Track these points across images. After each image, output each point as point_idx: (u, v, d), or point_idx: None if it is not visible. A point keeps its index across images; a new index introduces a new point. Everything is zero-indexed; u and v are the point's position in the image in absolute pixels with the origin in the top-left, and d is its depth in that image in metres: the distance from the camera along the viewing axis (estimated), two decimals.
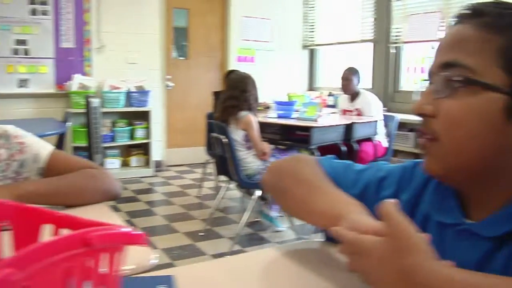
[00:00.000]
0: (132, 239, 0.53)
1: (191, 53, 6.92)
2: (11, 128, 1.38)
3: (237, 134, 3.84)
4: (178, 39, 6.86)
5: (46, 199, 1.20)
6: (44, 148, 1.38)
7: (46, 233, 0.63)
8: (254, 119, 3.85)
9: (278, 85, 7.29)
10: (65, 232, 0.61)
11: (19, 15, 5.55)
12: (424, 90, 0.80)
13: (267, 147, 3.94)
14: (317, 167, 1.04)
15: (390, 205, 0.67)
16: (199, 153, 6.05)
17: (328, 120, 4.54)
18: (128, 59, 6.18)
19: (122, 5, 6.14)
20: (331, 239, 0.93)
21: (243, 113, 3.82)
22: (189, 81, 6.86)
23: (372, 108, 4.96)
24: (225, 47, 7.14)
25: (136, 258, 0.88)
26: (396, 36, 6.33)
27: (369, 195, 0.96)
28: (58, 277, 0.46)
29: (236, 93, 3.87)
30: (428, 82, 0.82)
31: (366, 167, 1.04)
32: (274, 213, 4.20)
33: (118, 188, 1.39)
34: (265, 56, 7.41)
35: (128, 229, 0.54)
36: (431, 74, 0.81)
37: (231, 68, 6.72)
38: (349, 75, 5.05)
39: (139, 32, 6.26)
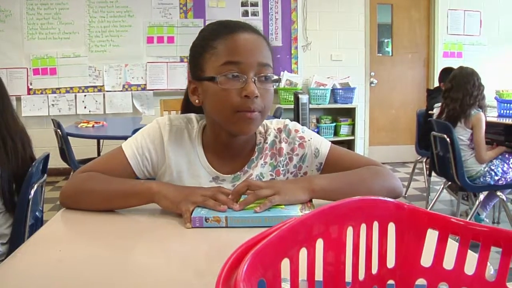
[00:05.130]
0: None
1: (395, 49, 6.77)
2: (291, 123, 1.39)
3: (463, 134, 3.65)
4: (382, 35, 6.76)
5: (337, 194, 1.15)
6: (323, 144, 1.36)
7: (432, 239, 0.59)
8: (483, 119, 3.62)
9: (487, 81, 6.81)
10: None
11: (233, 17, 5.83)
12: None
13: (489, 155, 3.67)
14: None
15: None
16: (403, 152, 5.93)
17: None
18: (333, 56, 6.25)
19: (327, 2, 6.22)
20: None
21: (474, 111, 3.61)
22: (393, 78, 6.73)
23: None
24: (430, 43, 6.86)
25: None
26: None
27: None
28: None
29: (466, 89, 3.67)
30: None
31: None
32: (484, 214, 3.96)
33: (401, 186, 1.34)
34: (474, 51, 6.97)
35: None
36: None
37: (437, 64, 6.46)
38: None
39: (343, 29, 6.30)
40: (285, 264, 0.48)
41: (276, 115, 5.50)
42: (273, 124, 1.38)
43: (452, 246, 0.57)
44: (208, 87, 1.20)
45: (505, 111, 4.31)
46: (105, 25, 5.79)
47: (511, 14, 7.19)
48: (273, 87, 1.24)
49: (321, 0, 6.21)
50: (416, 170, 5.16)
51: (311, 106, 5.69)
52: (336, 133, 6.18)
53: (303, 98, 4.87)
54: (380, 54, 6.75)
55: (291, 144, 1.35)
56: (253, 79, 1.17)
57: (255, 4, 6.04)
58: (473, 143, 3.66)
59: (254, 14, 6.05)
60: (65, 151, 3.86)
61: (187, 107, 1.40)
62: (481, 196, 3.69)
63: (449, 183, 4.01)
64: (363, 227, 0.58)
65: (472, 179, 3.69)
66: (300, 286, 0.49)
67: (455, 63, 5.78)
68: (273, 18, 6.09)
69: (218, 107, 1.21)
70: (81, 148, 4.61)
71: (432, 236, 0.59)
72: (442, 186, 4.16)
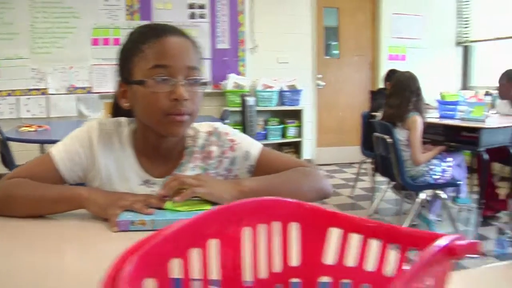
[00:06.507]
0: (470, 249, 0.50)
1: (341, 52, 6.88)
2: (221, 125, 1.40)
3: (401, 134, 3.75)
4: (329, 38, 6.86)
5: (267, 196, 1.19)
6: (254, 146, 1.38)
7: (334, 237, 0.61)
8: (420, 121, 3.73)
9: (430, 83, 6.99)
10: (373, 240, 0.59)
11: (180, 19, 5.84)
12: None
13: (424, 157, 3.79)
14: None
15: None
16: (350, 153, 6.03)
17: (497, 121, 4.27)
18: (280, 58, 6.30)
19: (274, 5, 6.27)
20: None
21: (412, 113, 3.72)
22: (340, 81, 6.84)
23: None
24: (376, 46, 7.01)
25: None
26: None
27: None
28: None
29: (407, 93, 3.77)
30: None
31: None
32: (432, 216, 4.06)
33: (330, 187, 1.36)
34: (416, 54, 7.15)
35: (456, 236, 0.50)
36: None
37: (382, 66, 6.61)
38: (506, 79, 4.63)
39: (290, 32, 6.36)
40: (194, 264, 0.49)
41: (223, 118, 5.51)
42: (203, 127, 1.39)
43: (357, 243, 0.59)
44: (137, 90, 1.21)
45: (445, 112, 4.43)
46: (49, 26, 5.65)
47: (451, 19, 7.43)
48: (201, 90, 1.25)
49: (268, 3, 6.25)
50: (362, 171, 5.26)
51: (258, 108, 5.72)
52: (283, 135, 6.24)
53: (250, 101, 4.90)
54: (328, 57, 6.85)
55: (221, 147, 1.36)
56: (182, 83, 1.18)
57: (203, 7, 6.03)
58: None
59: (201, 16, 6.04)
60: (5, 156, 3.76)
61: (117, 110, 1.40)
62: (421, 195, 3.80)
63: (394, 182, 4.11)
64: (265, 227, 0.59)
65: (413, 178, 3.79)
66: (194, 286, 0.50)
67: (399, 66, 5.93)
68: (220, 21, 6.10)
69: (148, 111, 1.21)
70: (23, 153, 4.48)
71: (338, 234, 0.61)
72: (385, 186, 4.26)
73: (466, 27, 7.42)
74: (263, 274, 0.60)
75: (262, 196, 1.20)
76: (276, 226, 0.61)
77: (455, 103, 4.49)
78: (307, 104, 6.38)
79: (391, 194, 4.96)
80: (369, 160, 5.05)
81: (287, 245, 0.61)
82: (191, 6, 5.97)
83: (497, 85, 4.78)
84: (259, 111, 5.83)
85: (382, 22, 6.97)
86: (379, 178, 4.64)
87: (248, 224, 0.58)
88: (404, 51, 7.12)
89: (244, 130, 4.82)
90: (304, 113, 6.22)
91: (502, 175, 4.67)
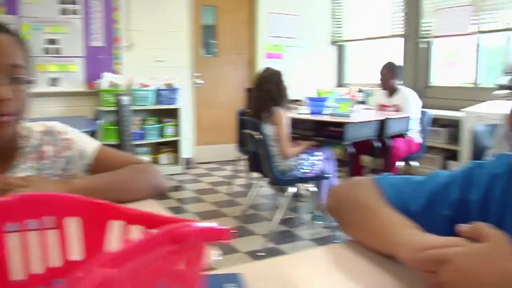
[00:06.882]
0: (218, 235, 0.50)
1: (219, 50, 6.91)
2: (56, 124, 1.37)
3: (269, 130, 3.81)
4: (207, 36, 6.85)
5: (98, 194, 1.16)
6: (90, 144, 1.37)
7: (115, 229, 0.61)
8: (285, 116, 3.81)
9: (307, 81, 7.22)
10: (135, 228, 0.59)
11: (50, 15, 5.59)
12: None
13: (292, 151, 3.88)
14: (374, 189, 1.02)
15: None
16: (229, 150, 6.03)
17: (361, 116, 4.47)
18: (156, 57, 6.19)
19: (150, 3, 6.16)
20: None
21: (277, 108, 3.79)
22: (218, 79, 6.86)
23: (410, 105, 4.87)
24: (253, 44, 7.11)
25: None
26: (427, 30, 6.22)
27: (437, 203, 0.94)
28: (149, 277, 0.43)
29: (268, 88, 3.84)
30: None
31: (425, 177, 1.01)
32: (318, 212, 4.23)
33: (166, 182, 1.38)
34: (293, 53, 7.35)
35: (212, 224, 0.50)
36: None
37: (260, 65, 6.70)
38: (387, 70, 4.97)
39: (167, 30, 6.27)
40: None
41: (97, 118, 5.33)
42: (37, 127, 1.34)
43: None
44: None
45: (315, 108, 4.57)
46: None
47: (326, 19, 7.70)
48: (27, 88, 1.20)
49: (144, 1, 6.12)
50: (240, 168, 5.30)
51: (134, 107, 5.61)
52: (161, 134, 6.14)
53: (125, 100, 4.77)
54: (206, 55, 6.83)
55: (56, 146, 1.33)
56: (5, 82, 1.13)
57: (75, 2, 5.78)
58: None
59: (74, 12, 5.79)
60: None
61: None
62: (290, 189, 3.88)
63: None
64: (36, 223, 0.59)
65: (283, 173, 3.86)
66: None
67: (277, 64, 6.04)
68: (94, 17, 5.88)
69: None
70: None
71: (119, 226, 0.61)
72: (258, 182, 4.31)
73: (339, 27, 7.72)
74: (37, 269, 0.59)
75: (97, 194, 1.17)
76: (50, 220, 0.60)
77: (323, 100, 4.65)
78: (185, 103, 6.33)
79: (268, 190, 5.04)
80: (245, 157, 5.09)
81: (65, 240, 0.61)
82: (63, 1, 5.71)
83: (369, 81, 5.06)
84: (135, 111, 5.72)
85: (260, 21, 7.07)
86: (257, 174, 4.70)
87: (15, 220, 0.57)
88: (281, 50, 7.28)
89: (118, 130, 4.69)
90: (182, 111, 6.16)
91: (373, 166, 4.90)
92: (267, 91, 3.84)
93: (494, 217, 0.87)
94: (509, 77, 4.69)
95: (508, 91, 4.60)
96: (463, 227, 0.71)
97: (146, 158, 6.08)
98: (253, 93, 4.03)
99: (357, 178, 1.10)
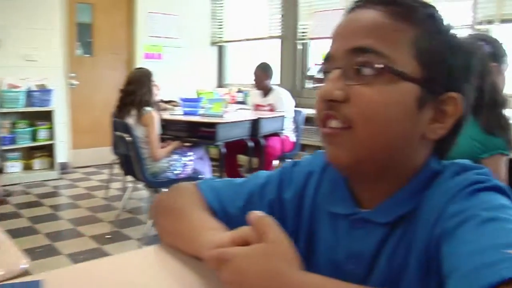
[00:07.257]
0: None
1: (96, 50, 6.70)
2: None
3: (140, 132, 3.76)
4: (82, 35, 6.61)
5: None
6: None
7: None
8: (156, 117, 3.79)
9: (187, 82, 7.21)
10: None
11: None
12: (331, 75, 0.76)
13: (162, 153, 3.86)
14: (194, 194, 1.01)
15: (259, 214, 0.69)
16: (106, 153, 5.86)
17: (234, 116, 4.54)
18: (26, 56, 5.86)
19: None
20: None
21: (147, 109, 3.75)
22: (95, 80, 6.65)
23: (284, 104, 5.02)
24: (132, 44, 6.98)
25: (5, 264, 0.83)
26: (303, 32, 6.44)
27: (254, 204, 0.96)
28: None
29: (131, 88, 3.81)
30: (329, 66, 0.79)
31: (246, 179, 1.04)
32: None
33: None
34: (173, 53, 7.30)
35: None
36: (334, 58, 0.78)
37: (138, 65, 6.58)
38: (261, 71, 5.09)
39: (36, 28, 5.91)
40: None
41: None
42: None
43: None
44: None
45: (188, 109, 4.58)
46: None
47: (206, 19, 7.73)
48: None
49: None
50: (116, 171, 5.18)
51: (3, 110, 5.32)
52: (34, 138, 5.84)
53: None
54: (84, 55, 6.61)
55: None
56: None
57: None
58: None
59: None
60: None
61: None
62: (165, 191, 3.86)
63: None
64: None
65: (155, 175, 3.83)
66: None
67: (156, 65, 5.99)
68: None
69: None
70: None
71: None
72: (132, 185, 4.25)
73: (219, 28, 7.78)
74: None
75: None
76: None
77: (197, 100, 4.66)
78: (59, 105, 6.06)
79: (145, 192, 4.97)
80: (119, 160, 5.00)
81: None
82: None
83: (249, 82, 5.16)
84: (4, 113, 5.45)
85: (138, 21, 6.96)
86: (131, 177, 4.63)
87: None
88: (160, 50, 7.20)
89: None
90: (56, 114, 5.89)
91: (250, 166, 4.99)
92: (132, 91, 3.80)
93: (306, 213, 0.91)
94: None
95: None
96: (252, 215, 0.69)
97: (18, 163, 5.79)
98: (121, 93, 3.97)
99: (181, 183, 1.10)
